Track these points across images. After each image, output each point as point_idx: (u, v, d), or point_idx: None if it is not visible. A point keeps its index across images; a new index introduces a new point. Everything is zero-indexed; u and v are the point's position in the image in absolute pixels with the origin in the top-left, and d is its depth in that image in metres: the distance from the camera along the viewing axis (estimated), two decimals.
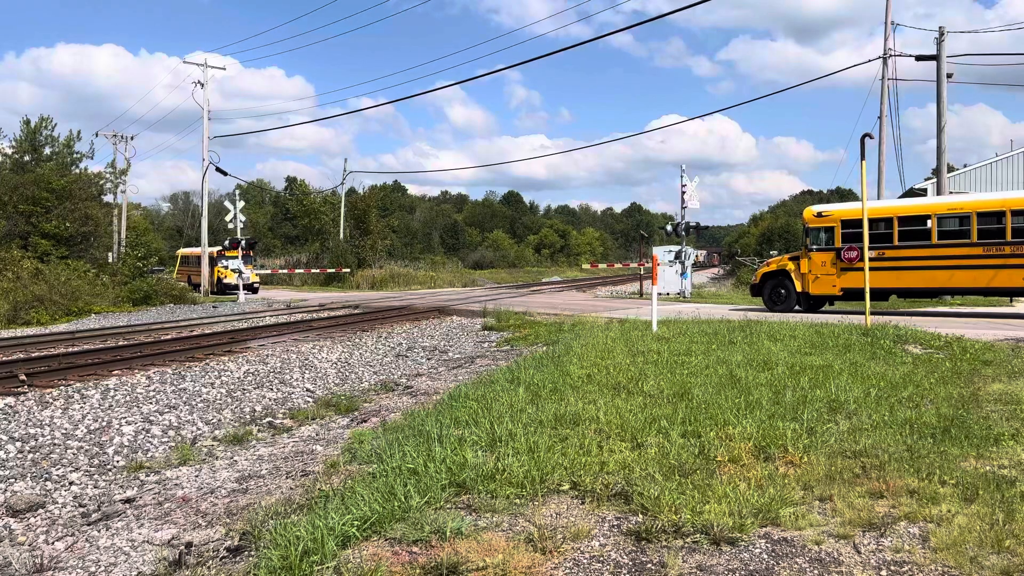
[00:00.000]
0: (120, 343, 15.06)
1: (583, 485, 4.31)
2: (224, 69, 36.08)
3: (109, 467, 6.37)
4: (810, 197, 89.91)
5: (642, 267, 32.66)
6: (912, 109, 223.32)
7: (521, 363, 9.27)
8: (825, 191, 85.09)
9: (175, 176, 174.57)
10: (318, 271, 45.86)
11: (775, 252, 40.63)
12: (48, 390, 9.61)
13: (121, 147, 44.10)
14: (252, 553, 4.10)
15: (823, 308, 18.18)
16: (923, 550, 3.42)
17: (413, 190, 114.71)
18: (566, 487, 4.34)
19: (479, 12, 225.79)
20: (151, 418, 8.09)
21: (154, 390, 9.64)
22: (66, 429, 7.59)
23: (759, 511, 3.82)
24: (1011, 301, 19.60)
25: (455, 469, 4.53)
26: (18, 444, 7.00)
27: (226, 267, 34.40)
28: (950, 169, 27.43)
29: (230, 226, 32.50)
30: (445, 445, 5.06)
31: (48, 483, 5.91)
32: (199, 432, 7.59)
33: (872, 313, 12.52)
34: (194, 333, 16.94)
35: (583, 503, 4.12)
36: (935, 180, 25.86)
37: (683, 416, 5.68)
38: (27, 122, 38.58)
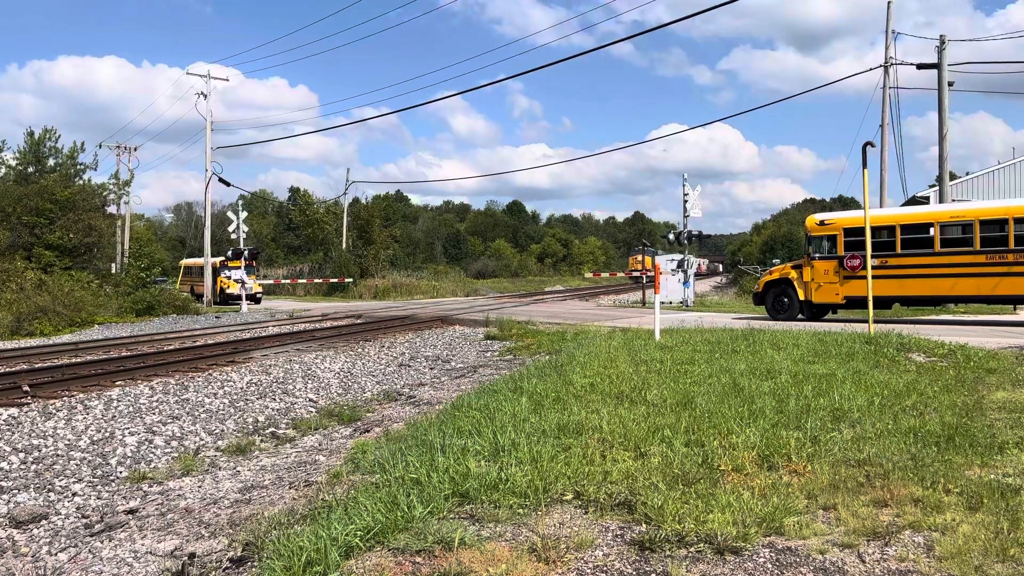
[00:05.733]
0: (123, 354, 15.07)
1: (586, 495, 4.30)
2: (227, 80, 36.25)
3: (112, 478, 6.37)
4: (812, 205, 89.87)
5: (645, 275, 32.64)
6: (913, 117, 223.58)
7: (524, 372, 9.26)
8: (828, 199, 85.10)
9: (178, 187, 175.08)
10: (321, 281, 45.90)
11: (778, 260, 40.60)
12: (51, 401, 9.63)
13: (124, 158, 44.32)
14: (255, 564, 4.09)
15: (826, 316, 18.16)
16: (928, 559, 3.41)
17: (415, 200, 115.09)
18: (569, 497, 4.33)
19: (481, 22, 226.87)
20: (154, 429, 8.09)
21: (157, 401, 9.65)
22: (69, 440, 7.59)
23: (763, 520, 3.80)
24: (1015, 309, 19.56)
25: (458, 479, 4.52)
26: (21, 455, 7.00)
27: (229, 277, 34.45)
28: (952, 177, 27.45)
29: (233, 236, 32.57)
30: (448, 455, 5.05)
31: (51, 494, 5.91)
32: (202, 442, 7.59)
33: (875, 321, 12.50)
34: (197, 343, 16.95)
35: (586, 513, 4.11)
36: (937, 188, 25.87)
37: (686, 425, 5.66)
38: (31, 133, 38.80)
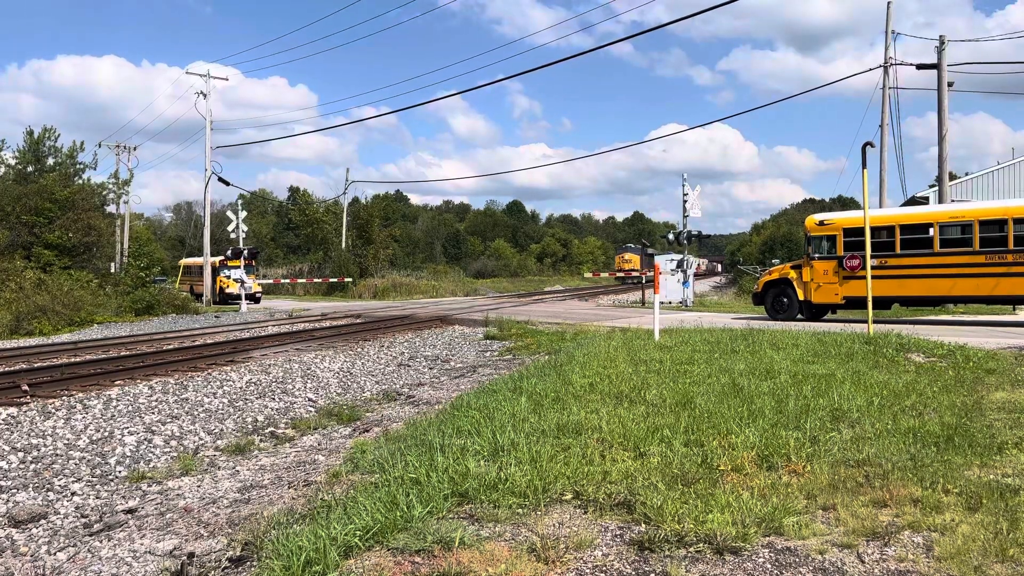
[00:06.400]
0: (122, 353, 15.06)
1: (586, 495, 4.30)
2: (227, 79, 36.20)
3: (111, 477, 6.36)
4: (812, 206, 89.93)
5: (643, 275, 32.66)
6: (913, 118, 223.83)
7: (523, 372, 9.26)
8: (827, 200, 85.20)
9: (178, 186, 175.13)
10: (320, 281, 45.89)
11: (777, 260, 40.61)
12: (50, 400, 9.62)
13: (124, 157, 44.29)
14: (254, 563, 4.09)
15: (825, 316, 18.16)
16: (927, 559, 3.41)
17: (415, 200, 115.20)
18: (569, 496, 4.33)
19: (481, 23, 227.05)
20: (153, 428, 8.09)
21: (156, 400, 9.64)
22: (68, 439, 7.59)
23: (762, 520, 3.80)
24: (1014, 309, 19.57)
25: (457, 479, 4.52)
26: (20, 455, 7.00)
27: (228, 277, 34.44)
28: (952, 177, 27.45)
29: (232, 236, 32.57)
30: (447, 455, 5.05)
31: (50, 493, 5.90)
32: (201, 442, 7.58)
33: (875, 321, 12.50)
34: (196, 343, 16.94)
35: (586, 512, 4.11)
36: (937, 188, 25.87)
37: (686, 425, 5.66)
38: (30, 133, 38.77)
